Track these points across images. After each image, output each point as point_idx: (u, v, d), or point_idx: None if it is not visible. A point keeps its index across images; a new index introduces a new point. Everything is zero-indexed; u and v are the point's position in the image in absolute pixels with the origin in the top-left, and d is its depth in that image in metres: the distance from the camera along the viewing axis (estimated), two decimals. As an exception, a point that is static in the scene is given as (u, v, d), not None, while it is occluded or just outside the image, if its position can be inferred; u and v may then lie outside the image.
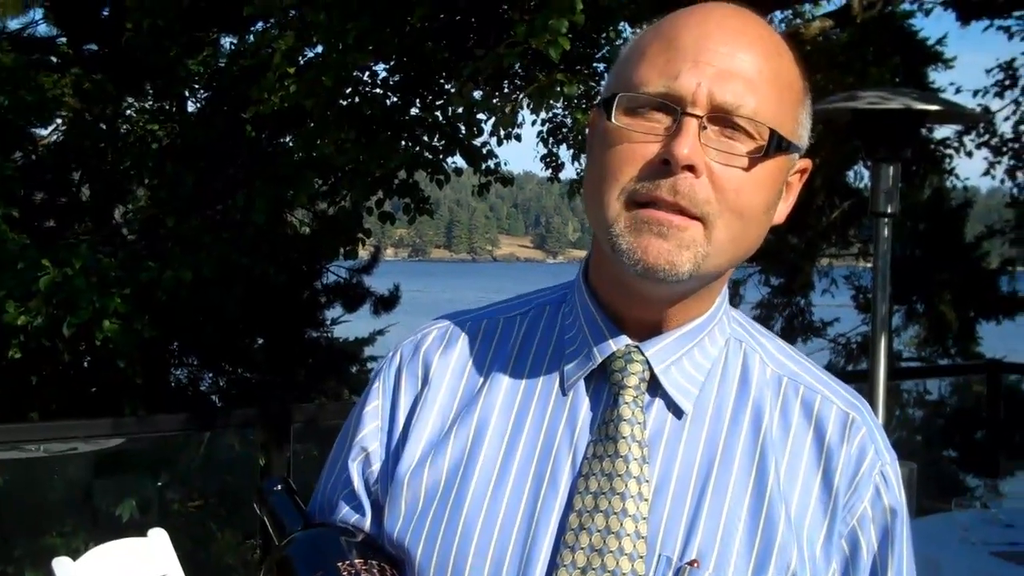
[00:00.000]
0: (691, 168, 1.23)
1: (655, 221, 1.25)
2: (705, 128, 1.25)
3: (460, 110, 7.58)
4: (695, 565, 1.29)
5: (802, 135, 1.35)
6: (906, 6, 12.22)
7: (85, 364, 8.60)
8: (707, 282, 1.35)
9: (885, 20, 11.69)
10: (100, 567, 3.39)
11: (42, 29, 11.62)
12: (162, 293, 7.42)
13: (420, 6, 6.27)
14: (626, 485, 1.30)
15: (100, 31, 10.86)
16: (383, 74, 8.18)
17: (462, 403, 1.41)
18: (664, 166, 1.24)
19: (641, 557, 1.29)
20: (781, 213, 1.37)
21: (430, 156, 8.12)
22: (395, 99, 7.84)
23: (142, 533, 3.58)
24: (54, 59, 11.14)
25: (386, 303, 11.81)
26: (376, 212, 8.60)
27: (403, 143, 7.90)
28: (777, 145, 1.28)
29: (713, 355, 1.40)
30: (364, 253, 11.80)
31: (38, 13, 11.30)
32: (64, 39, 11.45)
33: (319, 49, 7.08)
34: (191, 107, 9.89)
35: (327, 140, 7.21)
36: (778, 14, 11.41)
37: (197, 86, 9.25)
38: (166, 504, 7.60)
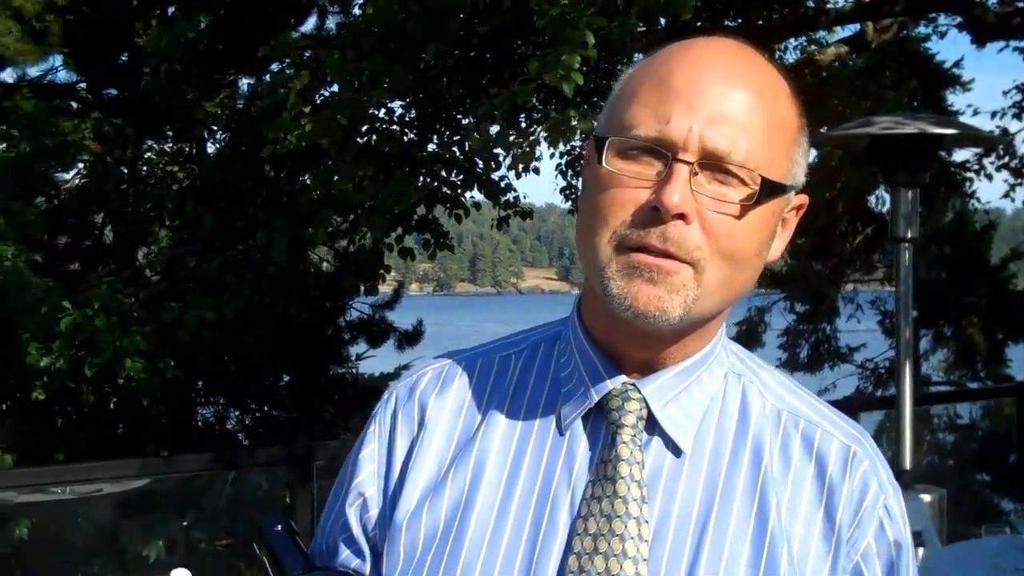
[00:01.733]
0: (681, 216, 1.23)
1: (645, 267, 1.24)
2: (696, 174, 1.24)
3: (487, 141, 7.60)
4: None
5: (796, 174, 1.34)
6: (921, 30, 12.23)
7: (111, 405, 8.64)
8: (702, 323, 1.34)
9: (901, 44, 11.69)
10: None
11: (61, 76, 11.74)
12: (184, 333, 7.45)
13: (434, 43, 6.31)
14: (625, 526, 1.29)
15: (119, 76, 10.98)
16: (399, 111, 8.25)
17: (459, 445, 1.39)
18: (654, 213, 1.23)
19: None
20: (776, 250, 1.37)
21: (448, 191, 8.14)
22: (412, 135, 7.87)
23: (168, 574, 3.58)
24: (74, 104, 11.27)
25: (410, 338, 11.85)
26: (396, 248, 8.62)
27: (421, 179, 7.93)
28: (768, 191, 1.27)
29: (711, 390, 1.38)
30: (387, 289, 11.83)
31: (58, 60, 11.43)
32: (84, 85, 11.58)
33: (334, 88, 7.12)
34: (211, 149, 9.97)
35: (344, 178, 7.24)
36: (792, 41, 11.42)
37: (216, 128, 9.32)
38: (193, 544, 7.60)
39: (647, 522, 1.30)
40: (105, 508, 7.19)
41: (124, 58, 11.13)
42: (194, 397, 9.82)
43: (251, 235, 8.05)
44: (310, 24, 11.43)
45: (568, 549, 1.30)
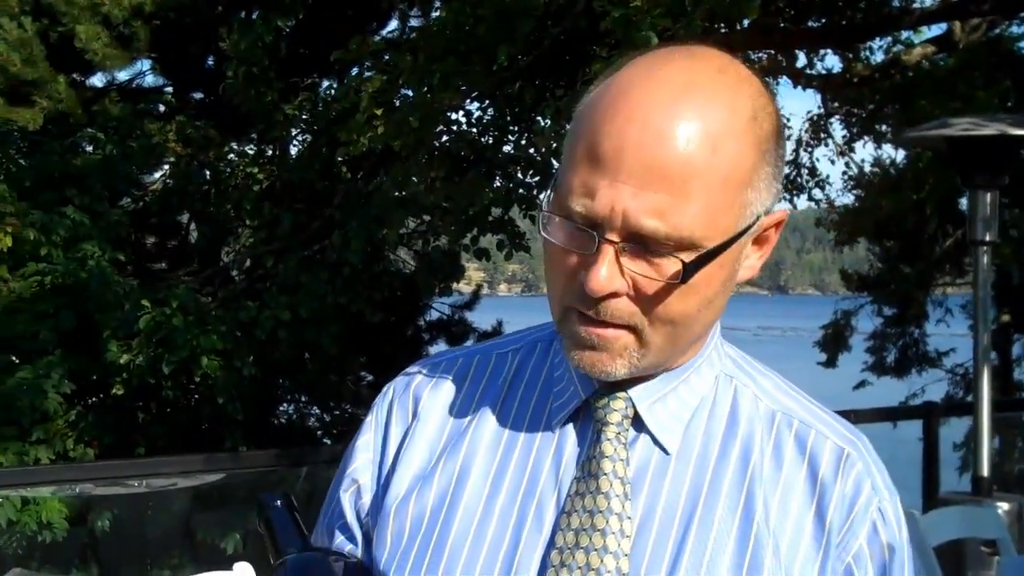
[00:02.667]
0: (612, 294, 1.23)
1: (587, 336, 1.26)
2: (624, 251, 1.22)
3: (553, 145, 7.61)
4: None
5: (753, 211, 1.27)
6: (1015, 29, 11.96)
7: (191, 401, 8.80)
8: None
9: (992, 44, 11.44)
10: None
11: (149, 79, 12.02)
12: (260, 332, 7.58)
13: (505, 45, 6.32)
14: (607, 522, 1.29)
15: (204, 79, 11.20)
16: (477, 113, 8.28)
17: (450, 438, 1.41)
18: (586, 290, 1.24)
19: None
20: (751, 268, 1.35)
21: (524, 192, 8.14)
22: (489, 137, 7.90)
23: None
24: (161, 108, 11.52)
25: (489, 338, 11.87)
26: (472, 249, 8.64)
27: (497, 180, 7.94)
28: (697, 265, 1.23)
29: (701, 392, 1.38)
30: (466, 289, 11.89)
31: (145, 64, 11.69)
32: (170, 88, 11.82)
33: (409, 92, 7.17)
34: (293, 150, 10.12)
35: (416, 179, 7.29)
36: (877, 40, 11.25)
37: (295, 130, 9.45)
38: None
39: (630, 518, 1.30)
40: (182, 501, 7.33)
41: (210, 62, 11.36)
42: (277, 394, 9.96)
43: (327, 236, 8.15)
44: (391, 27, 11.55)
45: (551, 544, 1.31)
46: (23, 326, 8.32)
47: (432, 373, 1.49)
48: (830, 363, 14.69)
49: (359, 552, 1.45)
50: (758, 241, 1.34)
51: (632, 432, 1.35)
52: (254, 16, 9.81)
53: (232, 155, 10.17)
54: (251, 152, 10.27)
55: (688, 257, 1.22)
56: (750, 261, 1.34)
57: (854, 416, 5.89)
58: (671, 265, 1.22)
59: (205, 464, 5.41)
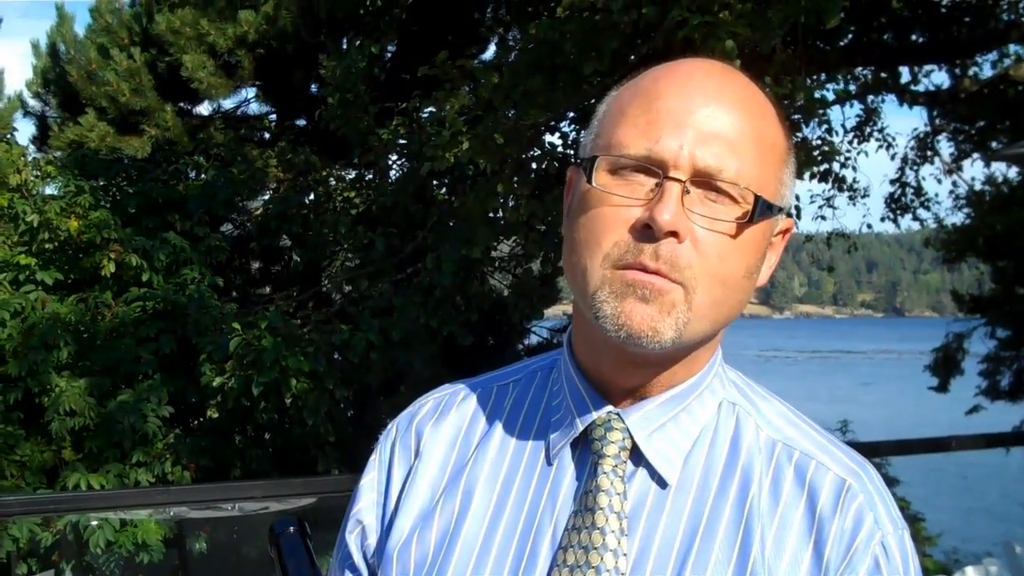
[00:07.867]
0: (674, 234, 1.20)
1: (639, 284, 1.21)
2: (688, 192, 1.21)
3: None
4: None
5: (785, 195, 1.31)
6: None
7: (284, 424, 8.88)
8: (691, 349, 1.30)
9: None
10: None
11: (253, 107, 12.28)
12: (353, 355, 7.62)
13: (590, 62, 6.29)
14: (602, 559, 1.26)
15: (307, 106, 11.38)
16: (573, 134, 8.25)
17: (451, 475, 1.39)
18: (646, 231, 1.21)
19: None
20: (764, 275, 1.34)
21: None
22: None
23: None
24: (267, 135, 11.75)
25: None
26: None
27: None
28: (762, 209, 1.24)
29: (703, 420, 1.34)
30: (569, 311, 11.82)
31: (250, 92, 11.93)
32: (274, 116, 12.05)
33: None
34: (392, 175, 10.20)
35: (502, 197, 7.27)
36: (985, 55, 10.96)
37: (393, 155, 9.50)
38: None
39: (625, 555, 1.26)
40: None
41: (313, 89, 11.55)
42: (371, 417, 10.01)
43: (420, 259, 8.18)
44: (491, 52, 11.63)
45: None
46: (125, 350, 8.49)
47: (434, 408, 1.47)
48: (941, 387, 14.38)
49: None
50: (769, 245, 1.33)
51: (630, 465, 1.31)
52: (350, 43, 9.94)
53: (332, 180, 10.29)
54: (350, 177, 10.38)
55: (750, 202, 1.24)
56: (763, 268, 1.33)
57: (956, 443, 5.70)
58: (734, 209, 1.24)
59: (279, 488, 5.39)
